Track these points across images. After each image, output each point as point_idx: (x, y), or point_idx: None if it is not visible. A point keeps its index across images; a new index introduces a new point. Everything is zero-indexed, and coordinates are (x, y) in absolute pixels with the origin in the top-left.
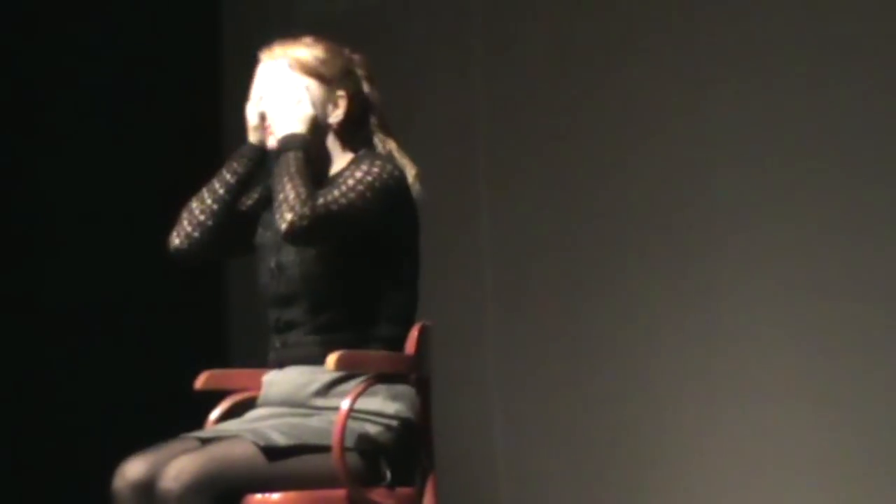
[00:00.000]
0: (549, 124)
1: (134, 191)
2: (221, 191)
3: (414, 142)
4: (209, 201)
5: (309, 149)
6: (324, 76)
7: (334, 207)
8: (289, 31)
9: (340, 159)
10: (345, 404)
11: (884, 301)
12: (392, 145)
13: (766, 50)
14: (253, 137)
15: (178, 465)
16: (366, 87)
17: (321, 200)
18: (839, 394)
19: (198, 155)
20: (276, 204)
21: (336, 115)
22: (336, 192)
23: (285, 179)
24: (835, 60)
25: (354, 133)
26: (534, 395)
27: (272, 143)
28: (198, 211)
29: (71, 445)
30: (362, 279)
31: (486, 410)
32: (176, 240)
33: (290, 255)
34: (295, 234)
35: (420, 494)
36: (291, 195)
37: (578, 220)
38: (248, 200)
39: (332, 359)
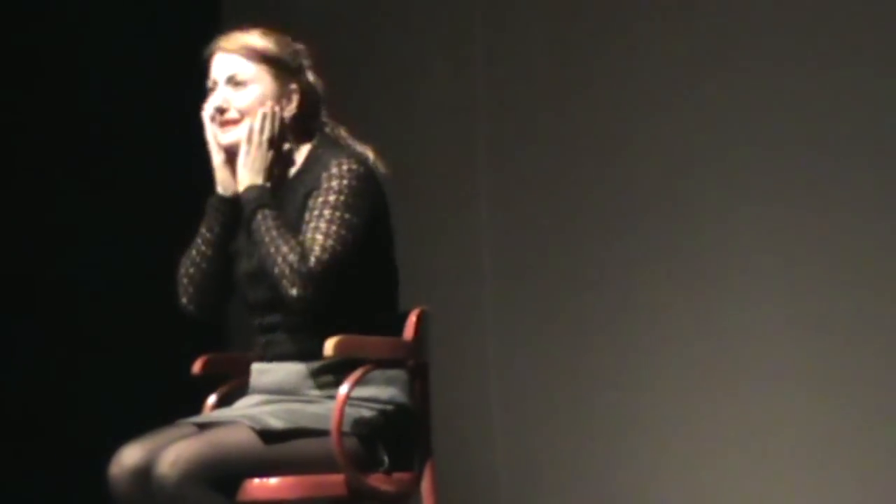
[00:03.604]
0: (550, 109)
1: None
2: (204, 248)
3: (413, 125)
4: (200, 262)
5: (272, 197)
6: (277, 68)
7: (327, 256)
8: (289, 12)
9: (296, 153)
10: (343, 389)
11: (888, 287)
12: (342, 132)
13: (770, 36)
14: (220, 187)
15: (175, 450)
16: (312, 78)
17: (313, 259)
18: (842, 381)
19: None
20: (270, 275)
21: (290, 110)
22: (320, 237)
23: (271, 250)
24: (836, 45)
25: (306, 126)
26: (533, 380)
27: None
28: (193, 270)
29: (69, 431)
30: None
31: (484, 395)
32: (185, 301)
33: None
34: (308, 305)
35: (418, 479)
36: (286, 269)
37: (578, 205)
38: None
39: (330, 343)
